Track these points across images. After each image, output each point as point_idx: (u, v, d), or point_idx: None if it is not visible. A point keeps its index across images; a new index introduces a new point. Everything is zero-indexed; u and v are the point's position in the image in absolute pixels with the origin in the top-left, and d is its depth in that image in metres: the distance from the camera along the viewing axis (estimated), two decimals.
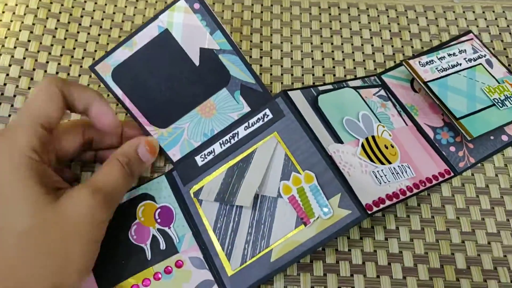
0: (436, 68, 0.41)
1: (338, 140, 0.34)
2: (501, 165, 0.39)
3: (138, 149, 0.33)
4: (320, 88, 0.38)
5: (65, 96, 0.30)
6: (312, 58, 0.43)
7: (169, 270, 0.33)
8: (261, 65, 0.43)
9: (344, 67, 0.43)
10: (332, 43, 0.44)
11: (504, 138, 0.40)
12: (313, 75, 0.42)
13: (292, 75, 0.42)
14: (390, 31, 0.46)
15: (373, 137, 0.36)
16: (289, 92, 0.36)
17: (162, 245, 0.34)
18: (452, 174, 0.37)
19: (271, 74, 0.42)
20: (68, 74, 0.41)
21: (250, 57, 0.43)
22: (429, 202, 0.37)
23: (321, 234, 0.30)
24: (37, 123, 0.28)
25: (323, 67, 0.42)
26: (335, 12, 0.46)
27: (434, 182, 0.36)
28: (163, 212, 0.35)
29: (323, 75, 0.42)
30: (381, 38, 0.45)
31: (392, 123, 0.38)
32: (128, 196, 0.36)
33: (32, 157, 0.27)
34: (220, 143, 0.35)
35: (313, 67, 0.42)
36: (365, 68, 0.43)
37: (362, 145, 0.35)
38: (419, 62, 0.41)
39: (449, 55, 0.43)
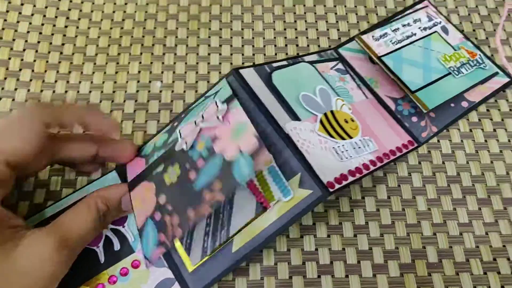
0: (391, 41, 0.40)
1: (295, 117, 0.33)
2: (466, 130, 0.39)
3: (124, 197, 0.31)
4: (274, 64, 0.36)
5: (49, 123, 0.28)
6: (275, 45, 0.41)
7: (125, 271, 0.31)
8: (220, 54, 0.41)
9: (308, 45, 0.42)
10: (296, 29, 0.43)
11: (464, 104, 0.39)
12: (264, 55, 0.40)
13: (253, 64, 0.40)
14: (345, 6, 0.45)
15: (332, 112, 0.34)
16: (241, 71, 0.34)
17: (116, 246, 0.31)
18: (416, 144, 0.36)
19: (231, 63, 0.40)
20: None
21: (209, 45, 0.41)
22: (396, 171, 0.36)
23: (283, 217, 0.29)
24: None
25: (286, 54, 0.41)
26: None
27: (398, 154, 0.35)
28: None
29: (275, 54, 0.40)
30: (336, 14, 0.44)
31: (351, 97, 0.37)
32: (77, 195, 0.33)
33: None
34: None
35: (276, 54, 0.40)
36: (318, 46, 0.42)
37: (321, 121, 0.33)
38: (373, 36, 0.40)
39: (404, 25, 0.42)
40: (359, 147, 0.33)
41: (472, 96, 0.39)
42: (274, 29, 0.42)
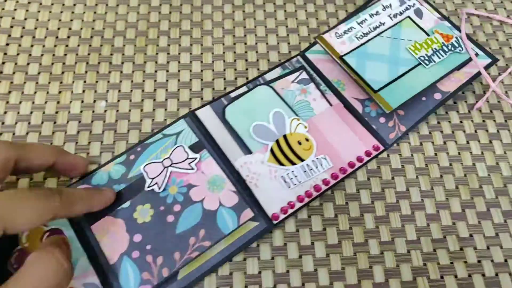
0: (356, 36, 0.39)
1: (247, 150, 0.35)
2: (432, 128, 0.38)
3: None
4: (232, 94, 0.38)
5: (20, 160, 0.30)
6: (224, 60, 0.41)
7: None
8: (167, 71, 0.40)
9: (268, 60, 0.41)
10: (245, 43, 0.42)
11: (437, 96, 0.37)
12: (224, 79, 0.40)
13: (201, 80, 0.40)
14: (306, 11, 0.43)
15: (284, 136, 0.36)
16: (197, 112, 0.37)
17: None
18: (382, 148, 0.37)
19: (178, 80, 0.40)
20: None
21: (156, 62, 0.41)
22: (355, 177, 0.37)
23: (229, 247, 0.33)
24: None
25: (235, 69, 0.41)
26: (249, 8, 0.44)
27: (358, 165, 0.36)
28: (52, 235, 0.32)
29: (235, 78, 0.40)
30: (296, 19, 0.43)
31: (312, 109, 0.38)
32: None
33: None
34: None
35: (224, 70, 0.41)
36: (278, 52, 0.42)
37: (272, 150, 0.35)
38: (336, 33, 0.39)
39: (372, 15, 0.40)
40: (311, 169, 0.35)
41: (446, 85, 0.37)
42: (223, 44, 0.42)
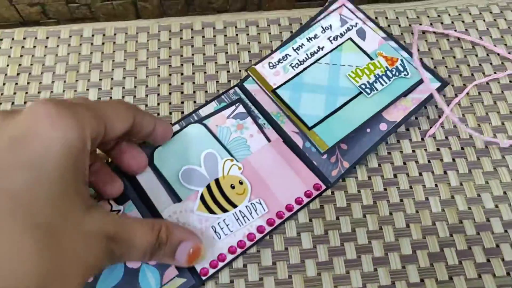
0: (291, 65, 0.36)
1: (177, 198, 0.33)
2: (374, 165, 0.35)
3: (183, 243, 0.28)
4: None
5: (139, 125, 0.29)
6: (158, 94, 0.39)
7: None
8: None
9: (206, 91, 0.39)
10: (182, 74, 0.40)
11: (383, 127, 0.34)
12: (158, 114, 0.38)
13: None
14: (247, 34, 0.41)
15: (216, 180, 0.33)
16: None
17: None
18: (324, 187, 0.34)
19: None
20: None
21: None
22: (284, 231, 0.33)
23: None
24: (102, 124, 0.25)
25: (170, 103, 0.38)
26: (187, 35, 0.41)
27: (296, 208, 0.33)
28: None
29: (170, 113, 0.38)
30: (237, 44, 0.41)
31: (248, 147, 0.35)
32: None
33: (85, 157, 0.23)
34: None
35: (158, 104, 0.38)
36: (217, 82, 0.39)
37: (202, 197, 0.33)
38: (269, 63, 0.36)
39: (309, 39, 0.36)
40: (244, 216, 0.32)
41: (393, 114, 0.34)
42: (170, 84, 0.39)
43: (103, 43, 0.41)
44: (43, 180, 0.21)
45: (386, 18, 0.41)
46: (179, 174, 0.33)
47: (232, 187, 0.33)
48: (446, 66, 0.39)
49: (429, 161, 0.35)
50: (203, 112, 0.37)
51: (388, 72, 0.34)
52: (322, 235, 0.33)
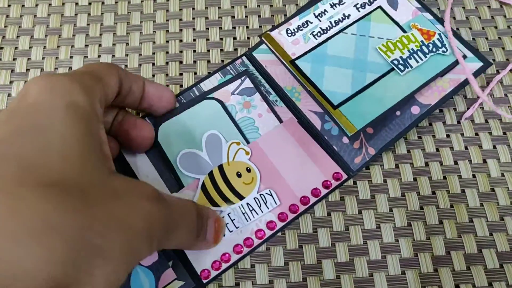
0: (312, 33, 0.31)
1: (177, 184, 0.28)
2: (403, 151, 0.30)
3: (209, 220, 0.25)
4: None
5: (122, 81, 0.25)
6: (153, 64, 0.33)
7: None
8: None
9: (208, 61, 0.33)
10: (181, 40, 0.34)
11: (415, 110, 0.29)
12: (167, 74, 0.32)
13: None
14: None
15: (220, 167, 0.28)
16: None
17: None
18: (345, 177, 0.29)
19: None
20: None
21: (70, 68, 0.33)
22: (298, 227, 0.29)
23: None
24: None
25: (166, 75, 0.32)
26: None
27: (313, 200, 0.28)
28: None
29: (167, 86, 0.32)
30: (245, 7, 0.35)
31: (257, 129, 0.30)
32: None
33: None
34: None
35: (153, 75, 0.32)
36: (221, 50, 0.33)
37: (203, 186, 0.28)
38: (287, 30, 0.31)
39: (333, 5, 0.31)
40: (252, 210, 0.28)
41: (427, 96, 0.29)
42: (154, 43, 0.34)
43: (89, 3, 0.35)
44: (54, 142, 0.18)
45: None
46: (176, 160, 0.28)
47: (239, 175, 0.28)
48: (487, 38, 0.34)
49: (466, 148, 0.31)
50: (205, 85, 0.31)
51: (424, 48, 0.29)
52: (342, 232, 0.28)
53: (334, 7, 0.31)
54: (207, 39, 0.34)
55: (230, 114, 0.30)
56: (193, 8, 0.35)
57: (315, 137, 0.30)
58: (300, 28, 0.31)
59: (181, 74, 0.33)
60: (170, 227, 0.21)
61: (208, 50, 0.33)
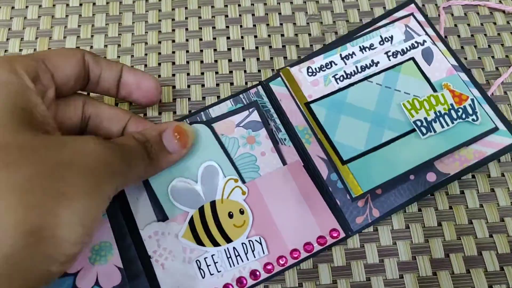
0: (335, 76, 0.28)
1: (163, 216, 0.27)
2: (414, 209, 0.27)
3: (164, 134, 0.26)
4: None
5: (89, 66, 0.25)
6: (145, 65, 0.31)
7: None
8: None
9: (202, 61, 0.32)
10: (173, 41, 0.32)
11: (431, 177, 0.27)
12: (159, 76, 0.30)
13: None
14: (295, 24, 0.33)
15: (212, 203, 0.27)
16: None
17: None
18: (342, 235, 0.27)
19: None
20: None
21: None
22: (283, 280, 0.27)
23: None
24: (41, 61, 0.23)
25: (159, 76, 0.31)
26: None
27: (304, 255, 0.27)
28: None
29: (173, 100, 0.31)
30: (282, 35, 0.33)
31: (258, 168, 0.28)
32: None
33: (24, 84, 0.22)
34: None
35: (159, 64, 0.31)
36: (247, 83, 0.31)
37: (191, 220, 0.26)
38: (308, 69, 0.29)
39: (363, 49, 0.29)
40: (238, 255, 0.26)
41: (447, 165, 0.27)
42: (146, 43, 0.32)
43: (80, 4, 0.34)
44: None
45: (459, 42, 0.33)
46: (168, 188, 0.27)
47: (230, 215, 0.27)
48: (485, 35, 0.32)
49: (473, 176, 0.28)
50: (214, 111, 0.29)
51: (452, 112, 0.27)
52: (329, 285, 0.26)
53: (363, 50, 0.29)
54: (200, 39, 0.33)
55: (222, 143, 0.28)
56: (186, 8, 0.34)
57: (319, 186, 0.28)
58: (323, 69, 0.28)
59: (173, 75, 0.32)
60: (124, 162, 0.22)
61: (201, 50, 0.32)
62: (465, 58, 0.30)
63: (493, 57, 0.31)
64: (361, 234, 0.28)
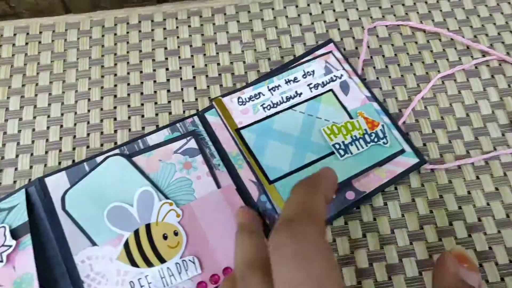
0: (262, 105, 0.31)
1: (92, 242, 0.27)
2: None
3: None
4: (100, 158, 0.30)
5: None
6: (89, 99, 0.34)
7: None
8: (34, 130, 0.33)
9: (142, 93, 0.34)
10: (115, 74, 0.35)
11: (350, 195, 0.30)
12: (88, 122, 0.33)
13: (61, 126, 0.33)
14: (218, 64, 0.35)
15: (147, 226, 0.28)
16: (46, 179, 0.29)
17: None
18: None
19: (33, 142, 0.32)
20: None
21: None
22: None
23: None
24: None
25: (101, 109, 0.33)
26: (122, 30, 0.36)
27: None
28: None
29: (101, 120, 0.33)
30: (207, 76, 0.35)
31: (193, 191, 0.30)
32: None
33: None
34: None
35: (89, 111, 0.33)
36: (170, 113, 0.34)
37: (126, 243, 0.27)
38: (239, 98, 0.31)
39: (288, 81, 0.32)
40: (171, 275, 0.27)
41: (363, 183, 0.30)
42: (89, 78, 0.34)
43: (26, 43, 0.36)
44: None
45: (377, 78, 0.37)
46: (104, 212, 0.28)
47: (165, 237, 0.28)
48: (408, 53, 0.35)
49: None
50: (151, 139, 0.31)
51: (366, 136, 0.30)
52: None
53: (288, 83, 0.32)
54: (141, 72, 0.35)
55: (142, 171, 0.30)
56: (127, 42, 0.36)
57: (250, 207, 0.30)
58: (252, 99, 0.31)
59: (115, 107, 0.33)
60: None
61: (142, 82, 0.34)
62: (380, 88, 0.34)
63: (405, 86, 0.35)
64: None
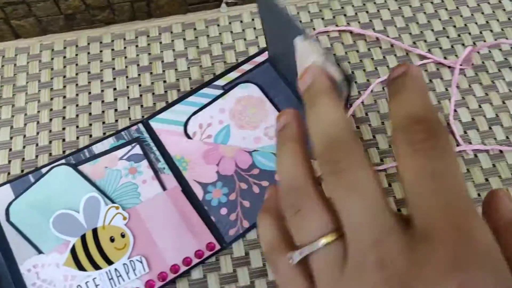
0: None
1: (39, 249, 0.28)
2: None
3: None
4: (44, 170, 0.31)
5: None
6: (38, 122, 0.34)
7: None
8: None
9: (90, 113, 0.35)
10: (64, 96, 0.36)
11: None
12: (36, 144, 0.33)
13: (10, 150, 0.33)
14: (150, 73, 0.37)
15: (94, 230, 0.29)
16: None
17: None
18: (218, 247, 0.30)
19: None
20: None
21: None
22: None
23: None
24: None
25: (50, 131, 0.34)
26: (71, 53, 0.37)
27: (183, 269, 0.29)
28: None
29: (50, 142, 0.34)
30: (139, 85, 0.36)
31: (139, 195, 0.31)
32: None
33: None
34: None
35: (37, 133, 0.34)
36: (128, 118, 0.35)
37: (73, 249, 0.28)
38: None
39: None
40: (119, 276, 0.28)
41: None
42: (51, 109, 0.35)
43: None
44: None
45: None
46: (50, 220, 0.29)
47: (112, 239, 0.29)
48: (349, 62, 0.37)
49: None
50: (97, 148, 0.32)
51: None
52: None
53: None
54: (89, 93, 0.36)
55: (88, 178, 0.31)
56: (76, 64, 0.37)
57: (196, 206, 0.31)
58: None
59: (63, 128, 0.34)
60: None
61: (90, 103, 0.35)
62: None
63: None
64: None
